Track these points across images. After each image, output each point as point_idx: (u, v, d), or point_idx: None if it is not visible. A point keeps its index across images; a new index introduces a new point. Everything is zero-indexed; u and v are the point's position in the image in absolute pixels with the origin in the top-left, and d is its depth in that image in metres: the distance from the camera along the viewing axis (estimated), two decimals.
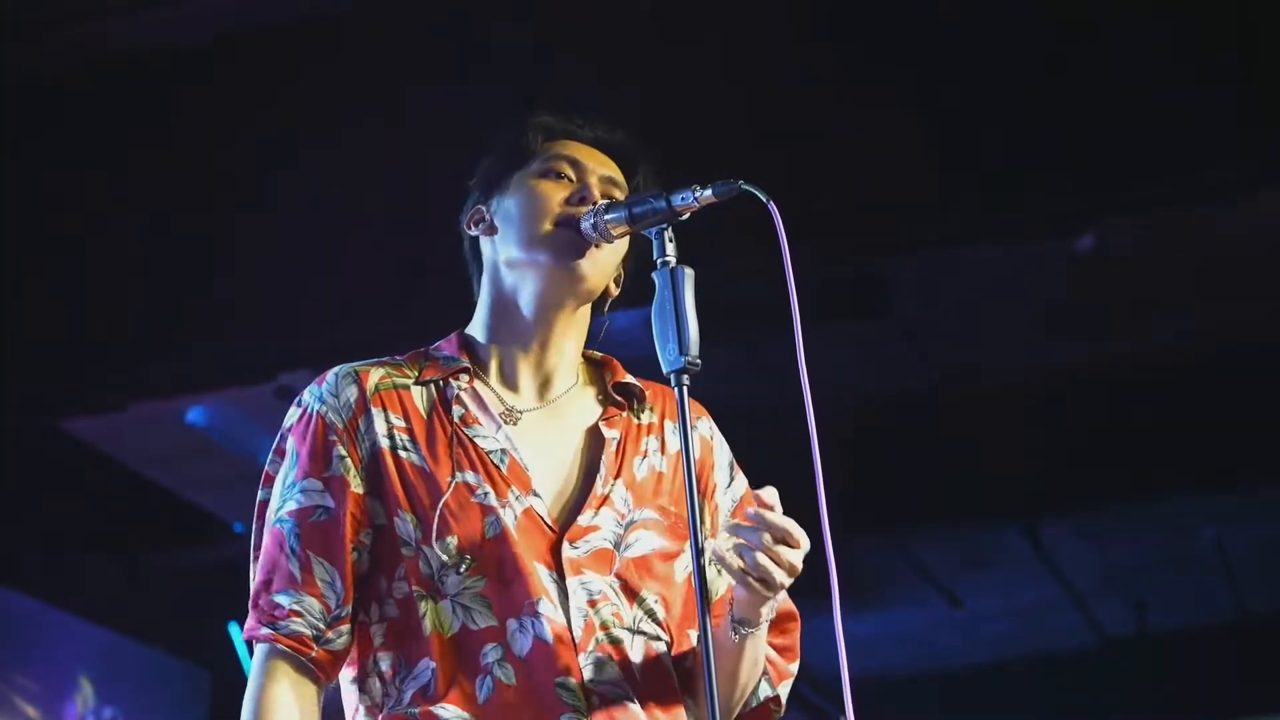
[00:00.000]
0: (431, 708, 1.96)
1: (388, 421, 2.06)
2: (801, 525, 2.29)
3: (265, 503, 2.09)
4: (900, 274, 6.28)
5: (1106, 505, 8.26)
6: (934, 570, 9.20)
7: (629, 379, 2.19)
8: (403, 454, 2.05)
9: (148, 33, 4.98)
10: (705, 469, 2.19)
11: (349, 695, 2.08)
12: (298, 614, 1.99)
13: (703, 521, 2.07)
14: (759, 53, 4.72)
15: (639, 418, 2.17)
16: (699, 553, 1.90)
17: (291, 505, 2.04)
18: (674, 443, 2.17)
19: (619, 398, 2.17)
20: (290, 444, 2.09)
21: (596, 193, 2.12)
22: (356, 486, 2.04)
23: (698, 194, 2.02)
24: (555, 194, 2.12)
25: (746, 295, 5.10)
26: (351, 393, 2.08)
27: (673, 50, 4.76)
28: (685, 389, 1.97)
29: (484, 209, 2.19)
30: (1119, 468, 7.48)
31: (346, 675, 2.08)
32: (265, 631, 2.00)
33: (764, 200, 2.00)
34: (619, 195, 2.15)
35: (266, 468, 2.12)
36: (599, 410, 2.16)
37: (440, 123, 4.72)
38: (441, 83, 4.80)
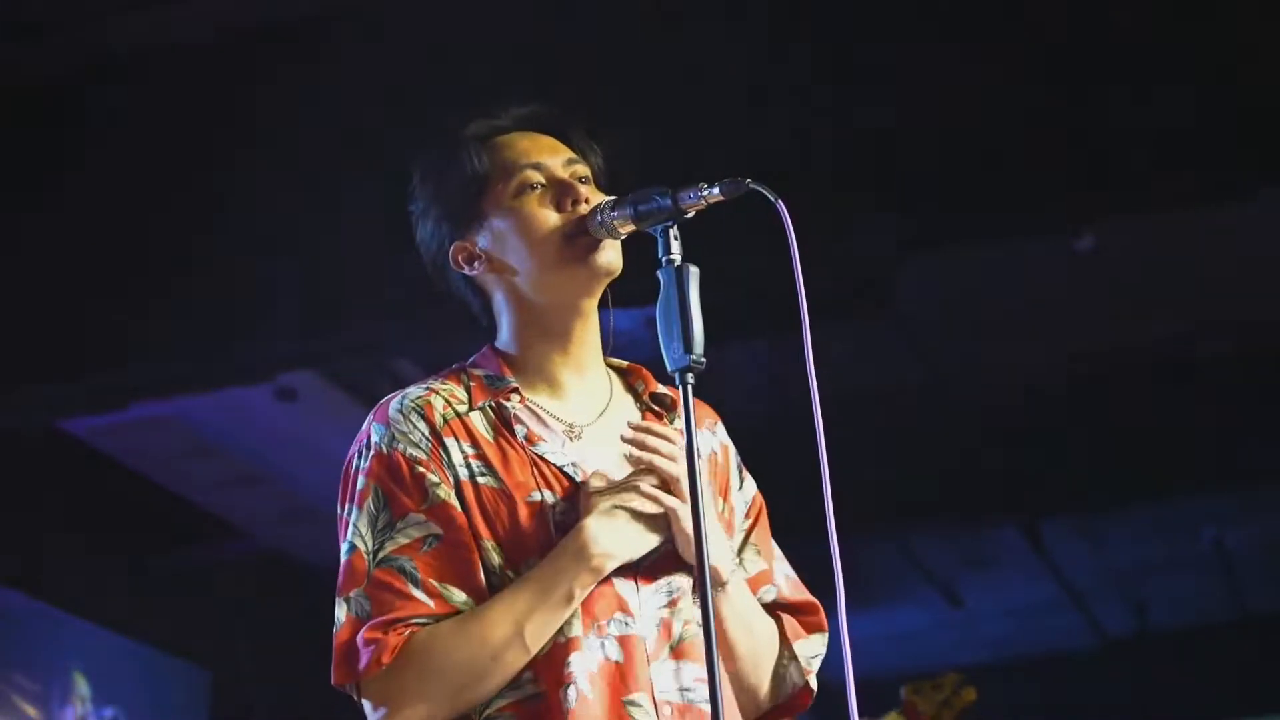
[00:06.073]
0: None
1: (461, 450, 2.06)
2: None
3: (355, 550, 2.03)
4: (900, 274, 6.28)
5: (1106, 505, 8.27)
6: (934, 570, 9.21)
7: (661, 388, 2.20)
8: (480, 480, 2.04)
9: (148, 32, 4.98)
10: (724, 471, 2.21)
11: None
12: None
13: (720, 516, 2.13)
14: (759, 52, 4.72)
15: (672, 423, 2.17)
16: (700, 547, 1.90)
17: (399, 541, 2.02)
18: (705, 447, 2.18)
19: (656, 406, 2.19)
20: (367, 485, 2.05)
21: (577, 186, 2.12)
22: (459, 508, 2.03)
23: (704, 192, 2.01)
24: (542, 207, 2.12)
25: (748, 294, 5.11)
26: (424, 427, 2.06)
27: (673, 48, 4.76)
28: (690, 388, 1.97)
29: (468, 246, 2.17)
30: (1119, 468, 7.49)
31: None
32: (402, 628, 1.96)
33: (772, 199, 1.99)
34: (582, 169, 2.15)
35: (342, 514, 2.07)
36: (640, 418, 2.16)
37: (441, 122, 4.71)
38: (442, 82, 4.80)
